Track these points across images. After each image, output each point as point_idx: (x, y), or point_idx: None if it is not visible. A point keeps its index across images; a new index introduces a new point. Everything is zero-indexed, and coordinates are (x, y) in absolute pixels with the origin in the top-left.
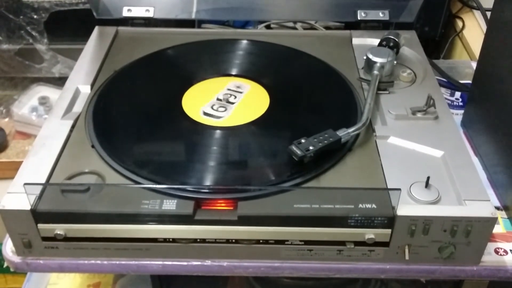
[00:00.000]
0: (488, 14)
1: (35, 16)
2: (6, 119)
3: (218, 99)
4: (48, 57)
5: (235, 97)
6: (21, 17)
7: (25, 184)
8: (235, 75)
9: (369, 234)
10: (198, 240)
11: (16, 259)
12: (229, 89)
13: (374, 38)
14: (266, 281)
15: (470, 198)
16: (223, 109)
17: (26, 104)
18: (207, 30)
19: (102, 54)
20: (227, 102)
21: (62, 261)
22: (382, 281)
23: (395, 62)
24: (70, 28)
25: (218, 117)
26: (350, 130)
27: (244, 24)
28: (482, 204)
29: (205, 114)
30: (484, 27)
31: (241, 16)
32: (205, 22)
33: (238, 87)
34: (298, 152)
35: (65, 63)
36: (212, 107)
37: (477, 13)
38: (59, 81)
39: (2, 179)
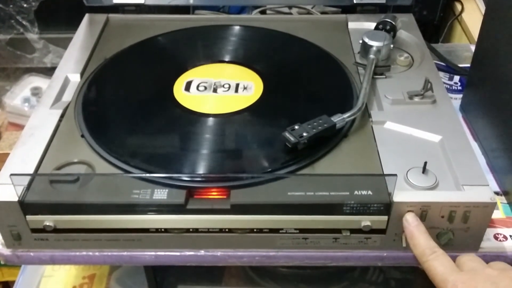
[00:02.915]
0: None
1: (25, 5)
2: None
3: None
4: (40, 46)
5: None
6: (11, 6)
7: (11, 174)
8: (228, 62)
9: (365, 221)
10: (191, 229)
11: (6, 251)
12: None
13: (371, 22)
14: (263, 270)
15: (468, 183)
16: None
17: (19, 95)
18: (199, 16)
19: (92, 42)
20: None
21: (53, 253)
22: (380, 268)
23: (391, 46)
24: (61, 16)
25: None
26: (345, 115)
27: (239, 11)
28: (481, 189)
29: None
30: (483, 10)
31: (235, 1)
32: (199, 9)
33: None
34: (292, 138)
35: (57, 52)
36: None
37: None
38: (51, 71)
39: None
